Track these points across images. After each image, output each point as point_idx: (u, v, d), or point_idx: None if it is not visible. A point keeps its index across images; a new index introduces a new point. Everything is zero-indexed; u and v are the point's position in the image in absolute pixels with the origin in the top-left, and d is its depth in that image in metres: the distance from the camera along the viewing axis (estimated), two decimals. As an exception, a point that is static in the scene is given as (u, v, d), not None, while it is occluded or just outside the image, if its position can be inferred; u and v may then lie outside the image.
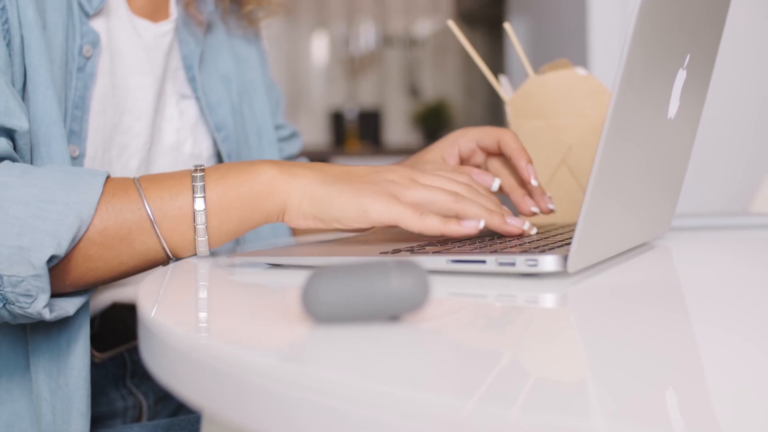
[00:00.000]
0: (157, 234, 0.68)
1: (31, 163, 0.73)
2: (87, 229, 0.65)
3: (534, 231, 0.73)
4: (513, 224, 0.70)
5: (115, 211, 0.66)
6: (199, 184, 0.68)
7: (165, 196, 0.68)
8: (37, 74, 0.74)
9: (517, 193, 0.84)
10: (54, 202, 0.63)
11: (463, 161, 0.90)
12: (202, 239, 0.69)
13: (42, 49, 0.74)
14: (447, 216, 0.68)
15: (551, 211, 0.84)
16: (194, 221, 0.68)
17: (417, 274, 0.42)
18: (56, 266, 0.65)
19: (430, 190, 0.70)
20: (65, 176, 0.66)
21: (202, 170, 0.69)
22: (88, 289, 0.71)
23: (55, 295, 0.67)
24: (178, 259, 0.71)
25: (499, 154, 0.88)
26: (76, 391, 0.73)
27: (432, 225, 0.67)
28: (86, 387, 0.74)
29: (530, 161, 0.84)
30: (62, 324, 0.73)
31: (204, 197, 0.68)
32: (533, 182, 0.83)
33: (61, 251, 0.63)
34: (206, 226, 0.68)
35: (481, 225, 0.68)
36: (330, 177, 0.70)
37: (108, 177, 0.68)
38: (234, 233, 0.70)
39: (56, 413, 0.73)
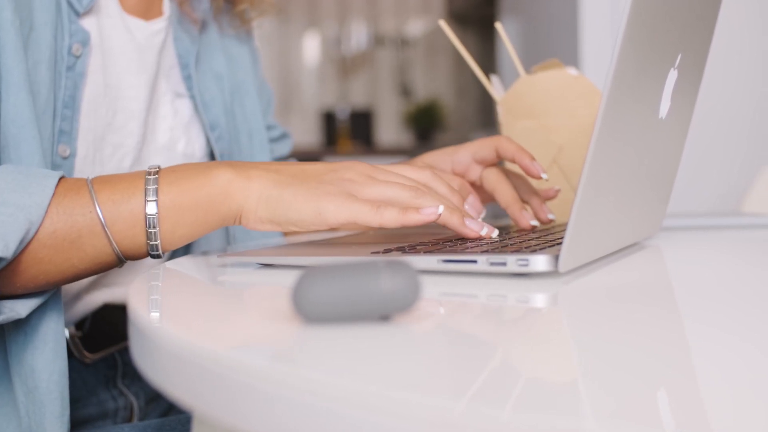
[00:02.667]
0: (108, 237, 0.66)
1: None
2: (37, 232, 0.64)
3: (495, 234, 0.70)
4: (471, 227, 0.68)
5: (66, 214, 0.65)
6: (151, 187, 0.67)
7: (117, 198, 0.66)
8: (11, 75, 0.73)
9: (514, 208, 0.82)
10: (4, 203, 0.62)
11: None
12: (154, 243, 0.67)
13: (18, 49, 0.73)
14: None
15: (551, 221, 0.83)
16: (146, 225, 0.66)
17: (407, 274, 0.42)
18: (5, 269, 0.64)
19: (388, 186, 0.68)
20: (17, 177, 0.65)
21: (156, 172, 0.68)
22: (42, 291, 0.70)
23: (6, 297, 0.67)
24: (130, 260, 0.70)
25: (495, 164, 0.86)
26: (48, 395, 0.72)
27: (390, 217, 0.65)
28: (60, 391, 0.73)
29: (533, 158, 0.82)
30: (28, 328, 0.72)
31: (156, 201, 0.66)
32: (544, 176, 0.81)
33: (8, 253, 0.62)
34: (158, 231, 0.67)
35: (440, 210, 0.66)
36: (286, 178, 0.68)
37: (61, 178, 0.67)
38: (188, 237, 0.69)
39: (31, 417, 0.72)
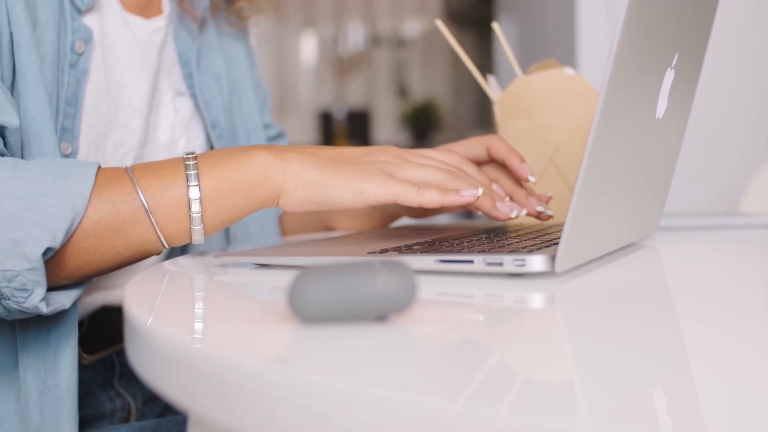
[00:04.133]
0: (152, 224, 0.67)
1: None
2: (81, 221, 0.64)
3: (524, 212, 0.74)
4: (501, 209, 0.71)
5: (110, 202, 0.66)
6: (192, 172, 0.67)
7: (159, 185, 0.67)
8: (28, 71, 0.73)
9: (519, 194, 0.83)
10: (47, 195, 0.63)
11: None
12: (197, 228, 0.68)
13: (32, 46, 0.73)
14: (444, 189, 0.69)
15: (550, 217, 0.83)
16: (189, 209, 0.67)
17: (404, 274, 0.42)
18: (52, 259, 0.64)
19: (424, 168, 0.70)
20: (56, 168, 0.65)
21: (195, 158, 0.68)
22: (84, 281, 0.70)
23: (49, 289, 0.67)
24: (172, 247, 0.70)
25: (490, 161, 0.87)
26: (67, 392, 0.73)
27: (431, 197, 0.67)
28: (75, 389, 0.73)
29: (523, 160, 0.83)
30: (52, 324, 0.72)
31: (198, 185, 0.67)
32: (531, 179, 0.82)
33: (56, 243, 0.62)
34: (201, 215, 0.67)
35: (479, 192, 0.68)
36: (323, 160, 0.70)
37: (99, 168, 0.67)
38: (229, 220, 0.69)
39: (44, 415, 0.72)
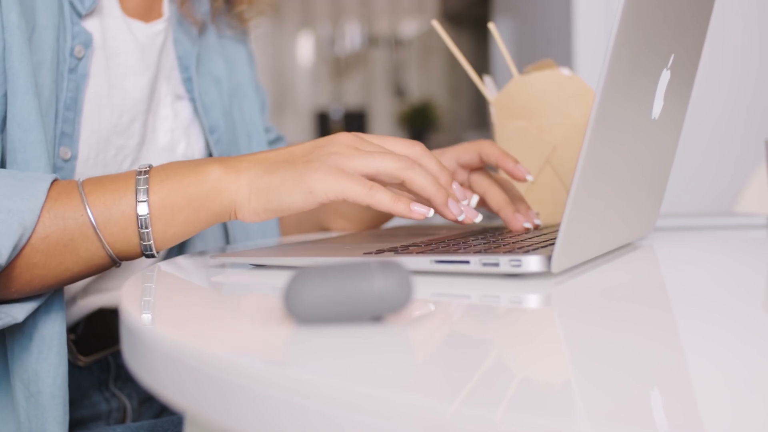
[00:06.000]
0: (100, 240, 0.66)
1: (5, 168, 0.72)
2: (30, 237, 0.63)
3: (478, 219, 0.70)
4: (451, 209, 0.68)
5: (58, 218, 0.65)
6: (142, 187, 0.66)
7: (108, 200, 0.66)
8: (17, 78, 0.72)
9: (507, 211, 0.81)
10: None
11: None
12: (147, 243, 0.67)
13: (23, 52, 0.73)
14: (395, 185, 0.67)
15: (538, 226, 0.82)
16: (138, 226, 0.66)
17: (400, 275, 0.42)
18: (0, 274, 0.64)
19: (376, 157, 0.67)
20: (10, 182, 0.64)
21: (147, 172, 0.67)
22: (38, 294, 0.69)
23: (3, 302, 0.66)
24: (125, 260, 0.69)
25: (483, 167, 0.86)
26: (51, 400, 0.72)
27: (381, 200, 0.65)
28: (63, 396, 0.72)
29: (517, 162, 0.82)
30: (34, 331, 0.72)
31: (147, 201, 0.66)
32: (529, 177, 0.81)
33: (2, 260, 0.61)
34: (151, 231, 0.66)
35: (430, 214, 0.66)
36: (272, 165, 0.67)
37: (54, 181, 0.66)
38: (181, 235, 0.68)
39: (31, 421, 0.72)
